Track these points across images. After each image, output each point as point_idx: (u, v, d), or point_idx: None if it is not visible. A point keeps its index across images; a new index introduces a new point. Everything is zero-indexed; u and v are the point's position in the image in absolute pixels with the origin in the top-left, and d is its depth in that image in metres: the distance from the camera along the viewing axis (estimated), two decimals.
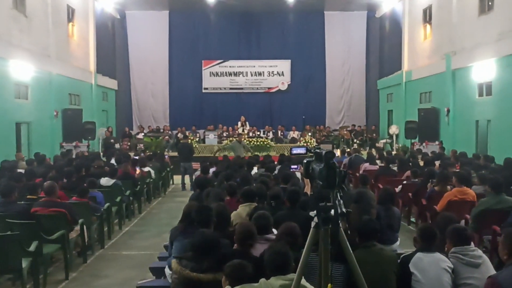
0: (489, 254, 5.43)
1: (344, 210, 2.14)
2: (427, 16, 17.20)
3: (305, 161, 2.34)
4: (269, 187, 6.24)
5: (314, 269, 2.68)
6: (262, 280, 2.95)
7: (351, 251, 2.27)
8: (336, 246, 2.25)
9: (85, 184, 7.52)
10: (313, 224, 2.23)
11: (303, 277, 2.76)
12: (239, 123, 18.77)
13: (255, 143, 16.83)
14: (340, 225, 2.17)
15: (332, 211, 2.15)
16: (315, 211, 2.24)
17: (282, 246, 3.03)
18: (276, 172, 8.77)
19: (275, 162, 10.46)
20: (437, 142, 15.29)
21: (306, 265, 2.30)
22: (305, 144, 16.48)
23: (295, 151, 2.99)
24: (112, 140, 18.23)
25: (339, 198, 2.15)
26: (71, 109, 16.26)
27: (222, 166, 10.16)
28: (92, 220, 7.03)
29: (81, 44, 18.09)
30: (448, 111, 14.86)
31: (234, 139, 15.78)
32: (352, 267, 2.28)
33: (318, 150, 2.23)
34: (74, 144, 15.56)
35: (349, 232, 4.06)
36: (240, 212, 5.27)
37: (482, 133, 13.38)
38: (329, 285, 2.20)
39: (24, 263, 5.06)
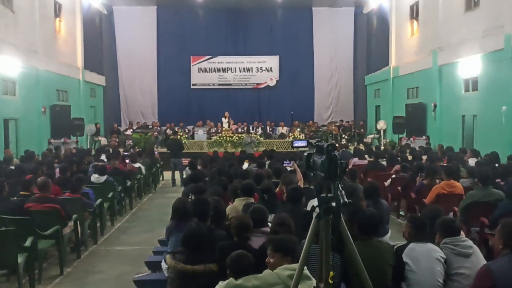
0: (477, 246, 5.57)
1: (346, 200, 2.21)
2: (414, 13, 17.39)
3: (305, 154, 2.41)
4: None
5: (313, 258, 2.76)
6: (267, 271, 3.03)
7: (352, 242, 2.34)
8: (336, 236, 2.32)
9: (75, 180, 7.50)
10: (314, 214, 2.30)
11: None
12: (224, 119, 18.78)
13: (258, 140, 16.96)
14: (341, 215, 2.24)
15: (334, 202, 2.23)
16: (311, 205, 2.31)
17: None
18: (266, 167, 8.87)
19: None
20: (424, 137, 15.50)
21: (308, 255, 2.38)
22: (302, 139, 16.63)
23: (296, 144, 3.06)
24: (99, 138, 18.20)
25: (340, 189, 2.22)
26: (59, 105, 16.13)
27: (209, 161, 10.21)
28: (85, 216, 7.04)
29: (68, 40, 17.93)
30: (435, 106, 15.07)
31: (248, 135, 16.00)
32: (353, 257, 2.35)
33: (319, 143, 2.30)
34: (62, 140, 15.45)
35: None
36: (237, 206, 5.33)
37: (468, 128, 13.60)
38: (331, 272, 2.28)
39: (20, 259, 5.06)
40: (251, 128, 19.71)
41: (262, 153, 12.07)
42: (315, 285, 2.50)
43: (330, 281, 2.28)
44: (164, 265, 4.39)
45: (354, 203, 5.04)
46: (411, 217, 4.08)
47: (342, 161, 2.22)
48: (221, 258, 3.33)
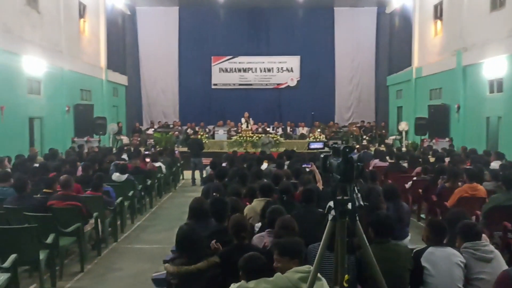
0: (499, 250, 5.45)
1: (362, 203, 2.20)
2: (438, 12, 17.10)
3: (322, 155, 2.39)
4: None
5: (324, 262, 2.73)
6: (278, 274, 2.99)
7: (368, 244, 2.32)
8: (352, 239, 2.31)
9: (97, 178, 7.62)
10: (330, 217, 2.29)
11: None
12: (243, 119, 18.85)
13: (275, 140, 16.95)
14: (357, 218, 2.22)
15: (349, 205, 2.21)
16: (327, 205, 2.30)
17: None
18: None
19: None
20: (447, 139, 15.24)
21: (322, 258, 2.37)
22: (319, 140, 16.57)
23: (313, 146, 3.05)
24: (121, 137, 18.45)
25: (356, 191, 2.20)
26: (82, 105, 16.41)
27: (231, 161, 10.25)
28: (106, 214, 7.14)
29: (92, 40, 18.23)
30: (459, 107, 14.80)
31: (266, 136, 16.04)
32: (368, 260, 2.33)
33: (336, 145, 2.28)
34: (85, 139, 15.71)
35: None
36: (255, 206, 5.34)
37: (492, 130, 13.32)
38: (346, 276, 2.26)
39: (42, 255, 5.17)
40: (271, 128, 19.69)
41: (282, 154, 12.05)
42: (326, 285, 2.49)
43: (345, 284, 2.27)
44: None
45: (372, 205, 5.03)
46: (430, 221, 4.03)
47: (358, 163, 2.20)
48: (225, 262, 3.36)
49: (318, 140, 16.71)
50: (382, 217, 3.83)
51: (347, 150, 2.14)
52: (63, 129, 15.20)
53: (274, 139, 17.04)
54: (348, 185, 2.18)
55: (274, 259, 3.11)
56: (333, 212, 2.25)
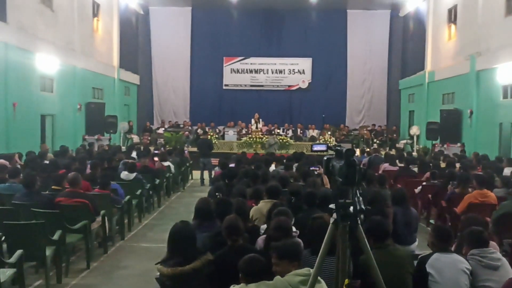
0: (509, 258, 5.37)
1: (363, 207, 2.17)
2: (452, 16, 16.94)
3: (325, 158, 2.37)
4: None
5: (324, 266, 2.70)
6: (278, 277, 2.96)
7: (369, 249, 2.29)
8: (353, 242, 2.28)
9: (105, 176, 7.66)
10: (331, 220, 2.27)
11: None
12: (253, 120, 18.87)
13: (281, 141, 16.91)
14: (359, 221, 2.20)
15: (351, 208, 2.18)
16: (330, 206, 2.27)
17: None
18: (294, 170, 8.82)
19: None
20: (459, 144, 15.08)
21: (323, 262, 2.34)
22: (325, 142, 16.46)
23: (316, 148, 3.02)
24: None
25: (358, 195, 2.18)
26: (94, 103, 16.54)
27: (239, 162, 10.26)
28: (113, 212, 7.18)
29: (105, 39, 18.37)
30: (471, 112, 14.63)
31: (272, 137, 16.03)
32: (369, 264, 2.30)
33: (338, 148, 2.26)
34: (96, 137, 15.82)
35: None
36: (261, 208, 5.32)
37: (505, 136, 13.14)
38: (347, 280, 2.23)
39: (48, 252, 5.20)
40: (281, 130, 19.65)
41: (291, 156, 12.02)
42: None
43: None
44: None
45: (378, 209, 4.98)
46: (435, 226, 4.00)
47: (361, 166, 2.17)
48: (220, 265, 3.33)
49: (322, 142, 16.68)
50: (376, 223, 3.80)
51: (350, 153, 2.12)
52: (74, 127, 15.33)
53: (283, 140, 16.99)
54: (350, 188, 2.16)
55: (272, 262, 3.06)
56: (334, 215, 2.22)
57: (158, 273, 4.62)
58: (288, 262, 2.98)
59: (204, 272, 3.31)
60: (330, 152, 2.37)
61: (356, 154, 15.25)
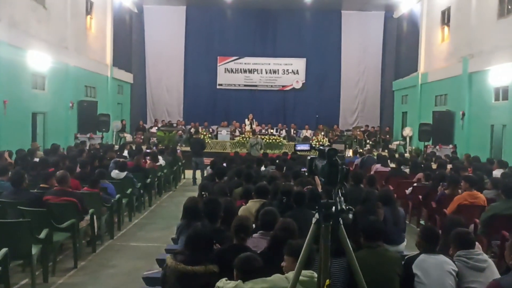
0: (497, 259, 5.39)
1: (344, 207, 2.15)
2: (446, 18, 17.01)
3: (308, 158, 2.35)
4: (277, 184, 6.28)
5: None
6: (277, 274, 3.01)
7: (351, 249, 2.28)
8: (336, 243, 2.26)
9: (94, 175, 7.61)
10: (314, 220, 2.25)
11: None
12: (247, 121, 18.87)
13: (267, 140, 16.87)
14: (341, 222, 2.18)
15: (334, 208, 2.17)
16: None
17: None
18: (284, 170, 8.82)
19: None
20: (451, 146, 15.14)
21: (306, 261, 2.32)
22: (311, 142, 16.46)
23: (299, 147, 3.01)
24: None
25: (340, 195, 2.16)
26: (86, 101, 16.45)
27: (230, 162, 10.26)
28: (102, 211, 7.13)
29: (98, 37, 18.27)
30: (463, 114, 14.69)
31: (254, 136, 15.95)
32: (351, 265, 2.29)
33: (321, 147, 2.24)
34: (88, 135, 15.74)
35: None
36: (250, 207, 5.30)
37: (497, 138, 13.20)
38: (327, 281, 2.22)
39: (34, 250, 5.15)
40: (274, 130, 19.64)
41: (283, 155, 12.05)
42: None
43: None
44: None
45: (369, 209, 4.98)
46: (423, 227, 3.99)
47: (343, 166, 2.16)
48: (220, 261, 3.31)
49: (313, 142, 16.67)
50: (372, 222, 3.81)
51: (332, 152, 2.10)
52: (66, 125, 15.23)
53: (269, 139, 16.91)
54: (333, 188, 2.14)
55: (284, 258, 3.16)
56: (317, 215, 2.21)
57: (145, 272, 4.63)
58: (293, 260, 2.98)
59: (204, 280, 3.29)
60: (314, 151, 2.35)
61: (349, 155, 15.40)
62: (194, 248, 3.44)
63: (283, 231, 3.65)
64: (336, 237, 2.24)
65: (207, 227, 3.97)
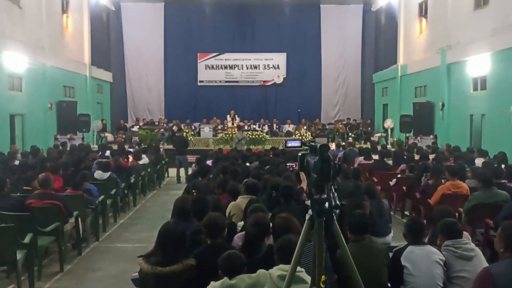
0: (481, 247, 5.48)
1: (338, 202, 2.15)
2: (423, 10, 17.21)
3: (300, 154, 2.34)
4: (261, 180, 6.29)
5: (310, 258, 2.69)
6: (261, 270, 2.99)
7: (345, 244, 2.28)
8: (330, 239, 2.26)
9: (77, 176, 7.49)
10: (307, 216, 2.24)
11: (303, 269, 2.80)
12: (228, 117, 18.85)
13: (250, 136, 16.85)
14: (334, 217, 2.18)
15: (327, 204, 2.16)
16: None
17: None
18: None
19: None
20: (431, 136, 15.36)
21: (300, 257, 2.32)
22: (300, 138, 16.48)
23: (290, 144, 2.99)
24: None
25: (333, 191, 2.16)
26: (65, 101, 16.20)
27: (216, 159, 10.21)
28: (87, 213, 7.02)
29: (75, 36, 17.96)
30: (443, 105, 14.91)
31: (240, 131, 15.91)
32: (345, 260, 2.29)
33: (313, 143, 2.23)
34: (68, 136, 15.51)
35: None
36: (239, 203, 5.28)
37: (476, 127, 13.44)
38: (323, 276, 2.22)
39: (19, 255, 5.05)
40: (257, 125, 19.65)
41: (269, 151, 12.07)
42: None
43: (322, 286, 2.22)
44: None
45: (356, 203, 5.01)
46: (408, 220, 4.04)
47: (335, 162, 2.15)
48: (200, 263, 3.29)
49: (297, 137, 16.70)
50: (358, 216, 3.84)
51: (324, 148, 2.10)
52: (45, 127, 14.98)
53: (253, 135, 16.93)
54: (326, 184, 2.14)
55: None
56: (310, 212, 2.20)
57: (133, 274, 4.57)
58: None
59: (184, 276, 3.24)
60: (305, 147, 2.34)
61: (331, 148, 15.49)
62: (167, 247, 3.35)
63: (255, 226, 3.60)
64: (329, 233, 2.24)
65: (180, 225, 3.89)
